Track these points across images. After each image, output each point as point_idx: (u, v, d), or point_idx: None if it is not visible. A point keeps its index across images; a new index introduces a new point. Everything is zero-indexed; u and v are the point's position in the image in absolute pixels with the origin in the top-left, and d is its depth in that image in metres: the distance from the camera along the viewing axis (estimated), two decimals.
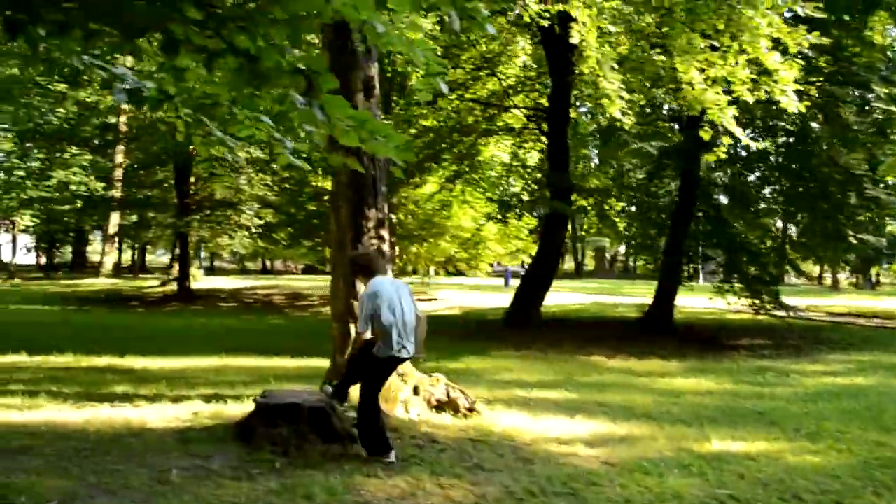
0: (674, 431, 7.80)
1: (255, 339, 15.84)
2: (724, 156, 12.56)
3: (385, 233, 8.75)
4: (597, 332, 17.95)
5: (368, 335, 6.23)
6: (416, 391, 8.20)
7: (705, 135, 12.01)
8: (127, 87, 3.76)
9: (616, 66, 11.04)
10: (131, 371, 11.18)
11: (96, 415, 7.78)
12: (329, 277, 9.00)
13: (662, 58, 10.35)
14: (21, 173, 37.97)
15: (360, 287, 6.91)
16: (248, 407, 7.95)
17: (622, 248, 67.70)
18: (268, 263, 59.45)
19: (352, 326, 8.24)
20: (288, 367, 11.68)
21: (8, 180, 39.91)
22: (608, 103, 11.21)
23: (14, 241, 45.60)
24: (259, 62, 2.70)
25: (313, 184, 27.77)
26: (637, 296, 28.77)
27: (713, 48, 10.55)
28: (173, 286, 31.30)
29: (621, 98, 11.14)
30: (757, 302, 17.04)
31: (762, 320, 18.27)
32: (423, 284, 30.82)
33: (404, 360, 6.42)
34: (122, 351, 13.04)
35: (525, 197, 24.59)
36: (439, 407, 8.14)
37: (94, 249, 58.00)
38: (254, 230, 31.94)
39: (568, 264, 59.36)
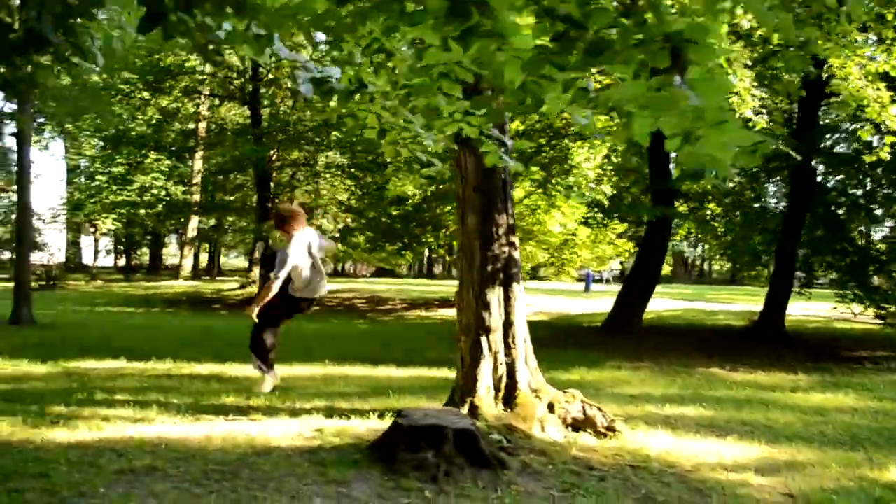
0: (839, 456, 7.07)
1: (350, 345, 15.41)
2: (886, 157, 11.62)
3: (515, 239, 8.20)
4: (702, 341, 17.11)
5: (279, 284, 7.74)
6: (551, 408, 7.65)
7: (864, 134, 11.17)
8: (313, 76, 3.28)
9: (749, 63, 10.29)
10: (235, 380, 10.80)
11: (214, 430, 7.38)
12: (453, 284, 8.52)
13: (829, 44, 9.44)
14: (104, 178, 38.62)
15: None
16: (373, 423, 7.50)
17: (698, 252, 66.33)
18: (338, 266, 59.59)
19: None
20: (400, 378, 11.18)
21: (89, 185, 40.71)
22: (738, 102, 10.45)
23: (96, 243, 46.47)
24: (586, 30, 2.11)
25: (393, 188, 27.44)
26: (725, 301, 27.88)
27: (868, 41, 9.74)
28: (252, 289, 31.25)
29: (753, 96, 10.40)
30: (884, 312, 16.01)
31: (876, 329, 17.23)
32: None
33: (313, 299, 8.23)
34: (220, 357, 12.73)
35: (606, 203, 23.65)
36: (575, 426, 7.57)
37: (168, 252, 58.96)
38: (332, 234, 31.84)
39: None
